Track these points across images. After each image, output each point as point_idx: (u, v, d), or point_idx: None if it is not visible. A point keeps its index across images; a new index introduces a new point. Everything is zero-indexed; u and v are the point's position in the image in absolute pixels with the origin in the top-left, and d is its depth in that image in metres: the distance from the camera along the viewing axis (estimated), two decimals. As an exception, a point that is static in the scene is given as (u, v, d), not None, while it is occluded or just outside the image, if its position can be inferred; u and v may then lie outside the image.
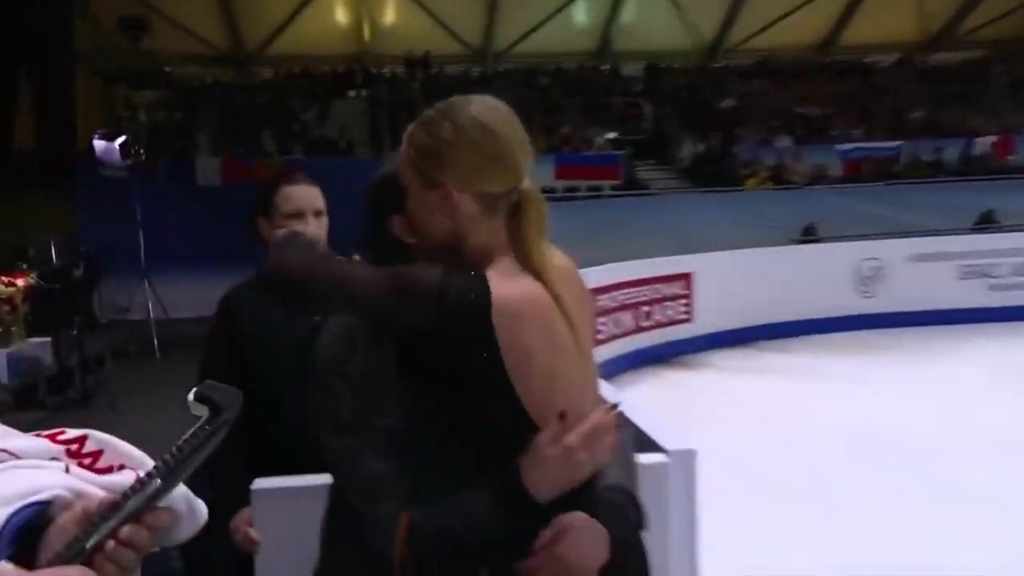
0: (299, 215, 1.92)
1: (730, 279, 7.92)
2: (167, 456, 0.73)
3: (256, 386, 1.82)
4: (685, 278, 7.83)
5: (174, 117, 13.75)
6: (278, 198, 1.94)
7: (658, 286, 7.63)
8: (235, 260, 11.57)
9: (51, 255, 6.82)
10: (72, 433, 0.76)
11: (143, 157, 9.54)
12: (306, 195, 1.95)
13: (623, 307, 7.27)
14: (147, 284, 9.38)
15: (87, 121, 11.61)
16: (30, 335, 7.10)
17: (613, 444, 1.08)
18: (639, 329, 7.42)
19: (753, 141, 13.67)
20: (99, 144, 9.28)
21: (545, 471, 1.03)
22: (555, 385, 1.07)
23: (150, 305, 9.25)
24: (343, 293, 1.08)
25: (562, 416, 1.05)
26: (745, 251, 8.26)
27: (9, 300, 6.59)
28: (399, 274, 1.07)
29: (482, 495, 1.03)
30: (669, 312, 7.71)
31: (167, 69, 14.71)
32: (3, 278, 6.82)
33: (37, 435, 0.75)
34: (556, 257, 1.17)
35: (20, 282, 6.80)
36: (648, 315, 7.52)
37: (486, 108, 1.14)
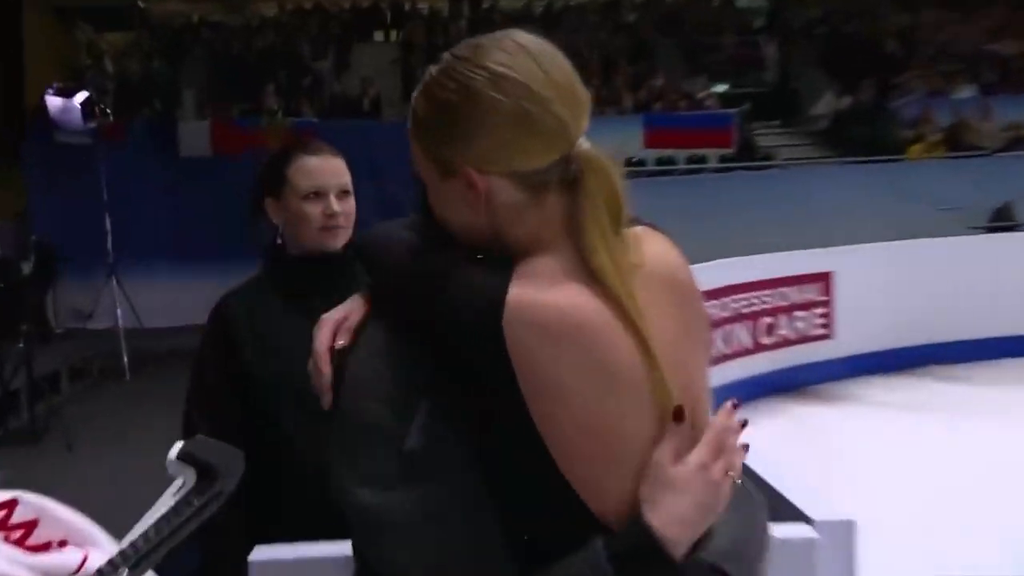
0: (319, 194, 1.97)
1: (885, 281, 7.73)
2: (137, 539, 0.74)
3: (262, 420, 1.92)
4: (823, 280, 7.71)
5: (150, 67, 14.10)
6: (292, 172, 1.99)
7: (785, 290, 7.56)
8: (228, 254, 11.76)
9: (-8, 245, 7.00)
10: None
11: (110, 118, 9.78)
12: (329, 168, 2.00)
13: (736, 318, 7.20)
14: (115, 283, 9.61)
15: (39, 71, 11.98)
16: (-34, 349, 7.28)
17: (742, 456, 1.08)
18: (758, 348, 7.39)
19: (920, 92, 13.26)
20: (53, 101, 9.47)
21: (677, 503, 1.01)
22: (602, 439, 1.02)
23: (119, 311, 9.47)
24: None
25: (678, 415, 1.03)
26: (906, 243, 8.06)
27: (-63, 303, 6.76)
28: (421, 261, 1.09)
29: (578, 562, 0.99)
30: (800, 325, 7.66)
31: (141, 4, 15.13)
32: (-70, 275, 6.98)
33: None
34: (650, 250, 1.12)
35: (-48, 280, 6.98)
36: (771, 329, 7.49)
37: (513, 49, 1.08)
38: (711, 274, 6.72)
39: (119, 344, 9.23)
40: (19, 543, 0.74)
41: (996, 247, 8.77)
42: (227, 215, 11.62)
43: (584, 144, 1.08)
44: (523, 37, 1.11)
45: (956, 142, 11.92)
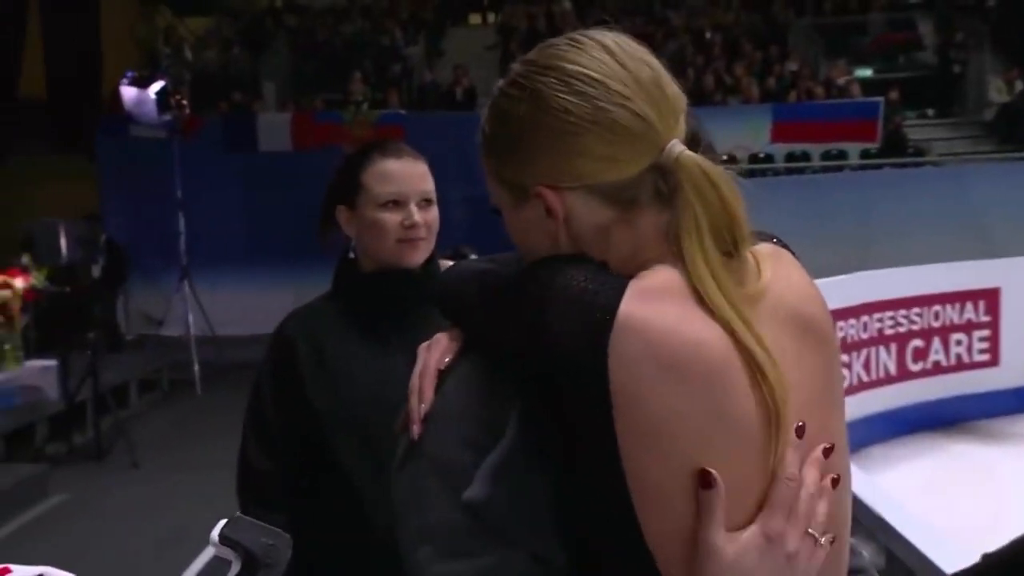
0: (398, 203, 1.92)
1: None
2: None
3: (320, 455, 1.92)
4: (987, 297, 7.52)
5: (230, 56, 14.53)
6: (368, 177, 1.95)
7: (940, 308, 7.39)
8: (306, 258, 11.98)
9: (59, 245, 7.24)
10: (22, 573, 0.73)
11: (187, 111, 10.05)
12: (410, 173, 1.95)
13: (878, 340, 7.06)
14: (187, 288, 9.89)
15: (117, 59, 12.47)
16: (29, 356, 7.59)
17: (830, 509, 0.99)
18: (904, 375, 7.25)
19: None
20: (128, 91, 9.77)
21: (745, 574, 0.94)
22: (692, 492, 0.97)
23: (190, 318, 9.76)
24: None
25: (800, 432, 0.97)
26: None
27: (3, 308, 7.05)
28: (505, 282, 1.06)
29: None
30: (958, 350, 7.49)
31: (222, -12, 15.61)
32: (-2, 277, 7.30)
33: None
34: (775, 277, 1.06)
35: (19, 283, 7.27)
36: (921, 354, 7.33)
37: (587, 45, 1.04)
38: (849, 288, 6.62)
39: (190, 354, 9.49)
40: None
41: None
42: (307, 216, 11.87)
43: (677, 149, 1.01)
44: (599, 33, 1.06)
45: None
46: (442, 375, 1.10)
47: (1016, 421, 7.29)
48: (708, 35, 14.13)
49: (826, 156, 11.84)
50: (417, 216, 1.91)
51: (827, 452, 1.00)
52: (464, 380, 1.08)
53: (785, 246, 1.15)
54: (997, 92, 13.26)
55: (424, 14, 15.81)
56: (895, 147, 12.09)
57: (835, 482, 0.99)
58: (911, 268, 7.29)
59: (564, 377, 0.96)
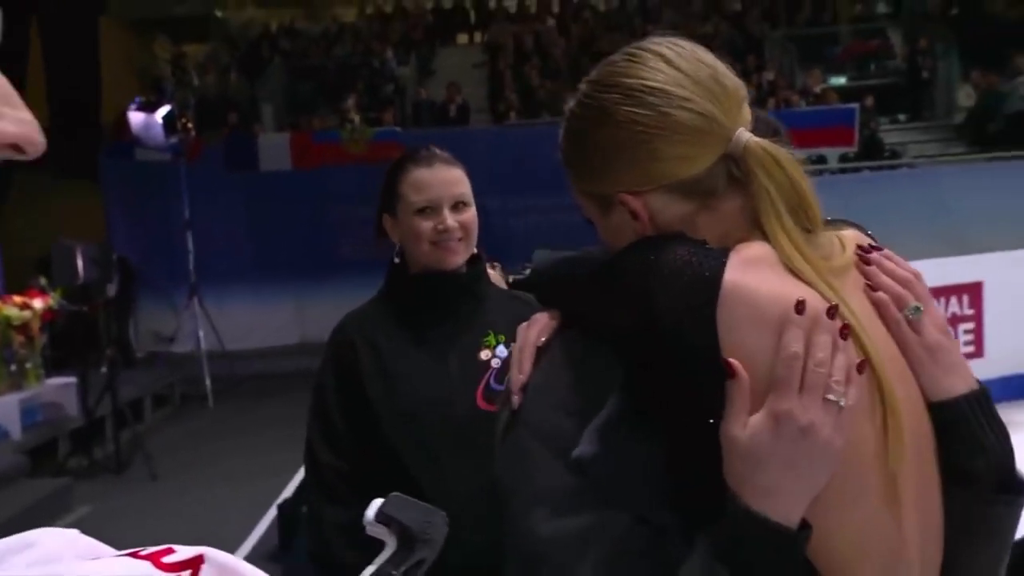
0: (432, 208, 1.97)
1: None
2: None
3: (382, 451, 1.92)
4: (970, 291, 7.48)
5: (228, 80, 14.50)
6: (404, 186, 2.00)
7: None
8: (311, 273, 11.92)
9: (76, 266, 7.20)
10: (184, 553, 0.72)
11: (192, 133, 10.04)
12: (441, 179, 1.99)
13: None
14: (197, 305, 9.85)
15: (116, 87, 12.42)
16: (49, 375, 7.54)
17: (853, 376, 0.96)
18: None
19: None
20: (136, 117, 9.85)
21: (760, 474, 0.94)
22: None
23: (200, 334, 9.72)
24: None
25: (799, 308, 0.95)
26: None
27: (23, 328, 7.00)
28: (606, 261, 1.06)
29: (693, 561, 0.96)
30: None
31: (218, 14, 15.58)
32: (15, 298, 7.23)
33: (133, 554, 0.72)
34: (851, 248, 1.08)
35: (38, 303, 7.22)
36: None
37: (643, 57, 1.08)
38: None
39: (201, 369, 9.45)
40: None
41: None
42: (308, 231, 11.96)
43: (744, 136, 1.03)
44: (653, 43, 1.09)
45: None
46: (540, 351, 1.11)
47: (1002, 409, 7.24)
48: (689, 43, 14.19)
49: (807, 160, 11.81)
50: (450, 220, 1.95)
51: (843, 332, 0.97)
52: (564, 353, 1.10)
53: (867, 233, 1.16)
54: (965, 97, 13.31)
55: (414, 35, 15.81)
56: (872, 150, 12.10)
57: (843, 331, 0.96)
58: None
59: (672, 344, 0.96)
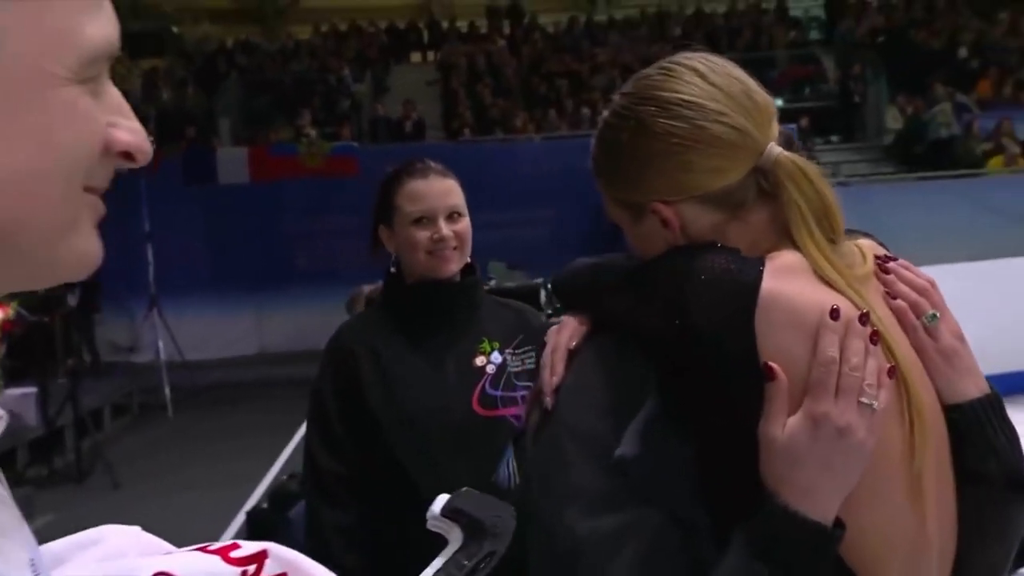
0: (427, 219, 1.98)
1: (974, 304, 7.50)
2: None
3: (381, 457, 1.90)
4: None
5: (185, 93, 14.28)
6: (399, 198, 2.00)
7: None
8: (269, 284, 11.70)
9: (37, 277, 7.02)
10: (249, 548, 0.72)
11: (154, 147, 9.85)
12: (436, 190, 1.99)
13: None
14: (157, 315, 9.68)
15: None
16: (8, 384, 7.35)
17: (884, 380, 0.97)
18: None
19: (997, 102, 13.08)
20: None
21: (798, 474, 0.94)
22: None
23: (160, 344, 9.56)
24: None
25: (833, 314, 0.96)
26: (998, 262, 7.91)
27: (-16, 338, 6.83)
28: (640, 268, 1.06)
29: (729, 560, 0.96)
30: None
31: (174, 29, 15.34)
32: (-26, 309, 7.06)
33: (203, 549, 0.73)
34: (871, 258, 1.09)
35: (-1, 314, 7.05)
36: None
37: (678, 72, 1.08)
38: None
39: (161, 378, 9.27)
40: None
41: None
42: (266, 243, 11.82)
43: (775, 151, 1.04)
44: (687, 58, 1.10)
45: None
46: (571, 354, 1.10)
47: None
48: (634, 69, 14.29)
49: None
50: (445, 230, 1.96)
51: (873, 338, 0.98)
52: (596, 356, 1.09)
53: (880, 243, 1.18)
54: (892, 120, 13.60)
55: (368, 53, 15.73)
56: (808, 169, 12.33)
57: (873, 337, 0.97)
58: None
59: (710, 349, 0.96)
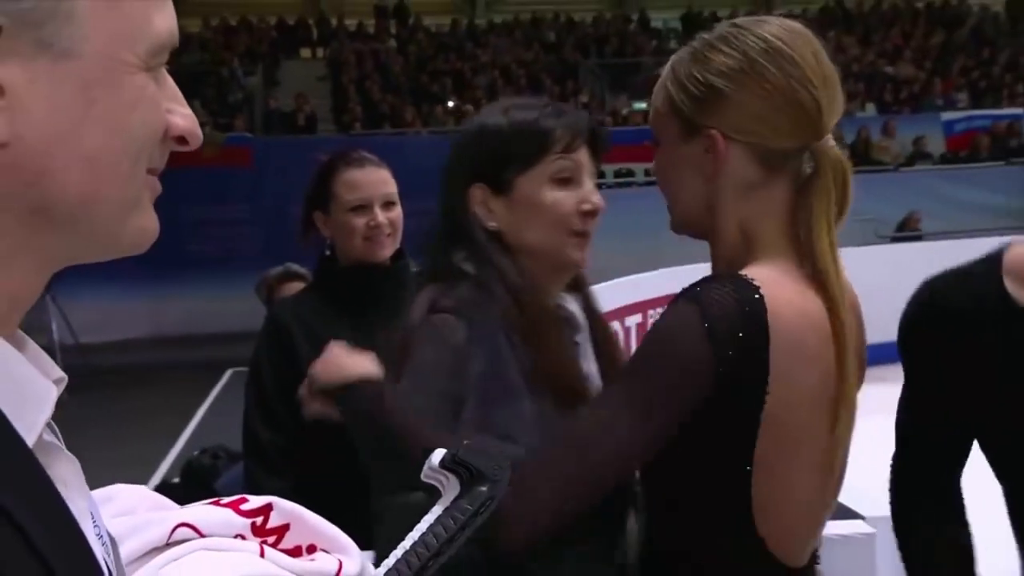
0: (364, 206, 1.98)
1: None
2: (409, 551, 0.73)
3: (323, 428, 1.84)
4: None
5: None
6: (337, 186, 2.00)
7: None
8: (165, 269, 11.22)
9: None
10: (256, 502, 0.74)
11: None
12: (373, 180, 2.01)
13: None
14: (50, 299, 9.15)
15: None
16: None
17: None
18: None
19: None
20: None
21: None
22: (796, 450, 1.02)
23: (54, 326, 9.06)
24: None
25: None
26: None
27: None
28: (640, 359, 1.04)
29: None
30: None
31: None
32: None
33: (216, 503, 0.74)
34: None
35: None
36: None
37: (786, 30, 1.07)
38: (636, 289, 6.27)
39: (55, 360, 8.76)
40: (274, 547, 0.73)
41: (901, 255, 8.86)
42: (161, 229, 11.25)
43: (831, 142, 1.05)
44: (807, 30, 1.09)
45: (862, 157, 12.40)
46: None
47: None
48: (513, 71, 14.33)
49: (617, 174, 12.20)
50: (381, 217, 1.96)
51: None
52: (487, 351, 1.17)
53: None
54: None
55: (259, 48, 15.27)
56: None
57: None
58: (674, 270, 7.12)
59: (730, 373, 0.98)
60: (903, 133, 12.74)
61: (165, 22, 0.55)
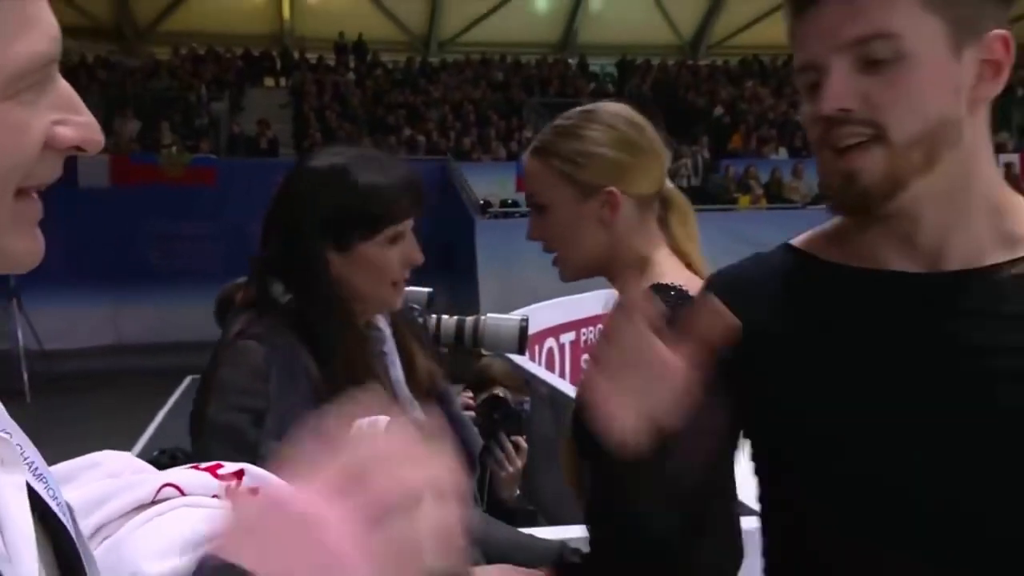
0: None
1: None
2: None
3: None
4: None
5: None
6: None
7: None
8: (127, 280, 11.02)
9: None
10: (231, 467, 0.76)
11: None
12: None
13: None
14: (16, 306, 8.97)
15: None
16: None
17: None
18: None
19: (745, 153, 14.11)
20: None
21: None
22: None
23: (19, 333, 8.84)
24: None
25: None
26: None
27: None
28: None
29: None
30: None
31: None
32: None
33: (194, 467, 0.76)
34: None
35: None
36: None
37: (627, 108, 1.25)
38: (562, 311, 6.03)
39: (19, 366, 8.59)
40: None
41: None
42: (124, 244, 11.17)
43: (670, 183, 1.26)
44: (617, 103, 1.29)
45: (774, 196, 12.83)
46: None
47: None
48: (464, 107, 14.47)
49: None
50: None
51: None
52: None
53: None
54: (684, 168, 14.27)
55: (226, 76, 15.18)
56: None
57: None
58: (590, 295, 6.38)
59: None
60: (811, 175, 13.15)
61: (29, 47, 0.49)
